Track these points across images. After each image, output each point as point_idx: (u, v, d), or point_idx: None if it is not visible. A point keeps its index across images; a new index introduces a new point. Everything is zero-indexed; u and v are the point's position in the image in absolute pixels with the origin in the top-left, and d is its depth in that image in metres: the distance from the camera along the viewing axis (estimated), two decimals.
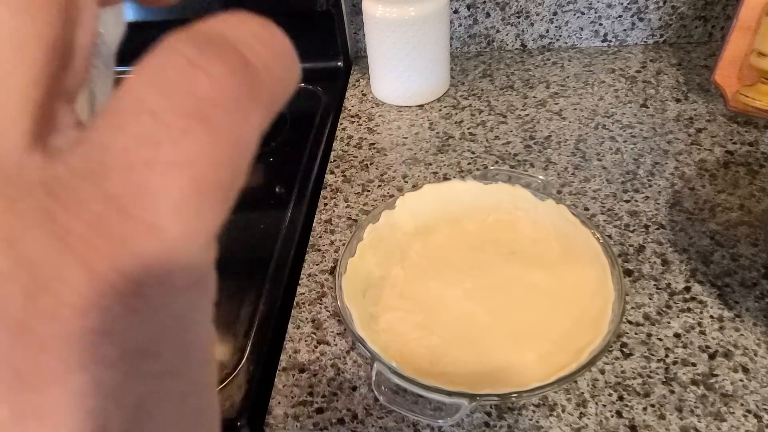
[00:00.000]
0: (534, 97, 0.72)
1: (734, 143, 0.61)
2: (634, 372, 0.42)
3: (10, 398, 0.10)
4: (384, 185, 0.62)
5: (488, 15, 0.79)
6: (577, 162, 0.61)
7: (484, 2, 0.77)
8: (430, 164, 0.64)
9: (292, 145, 0.71)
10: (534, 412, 0.41)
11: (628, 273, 0.49)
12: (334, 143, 0.69)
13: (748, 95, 0.60)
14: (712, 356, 0.43)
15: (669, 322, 0.45)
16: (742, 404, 0.40)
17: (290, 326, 0.49)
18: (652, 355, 0.43)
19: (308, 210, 0.61)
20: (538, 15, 0.78)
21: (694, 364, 0.42)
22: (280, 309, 0.51)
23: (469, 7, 0.78)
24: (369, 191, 0.61)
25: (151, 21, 0.80)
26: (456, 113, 0.71)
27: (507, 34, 0.80)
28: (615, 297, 0.41)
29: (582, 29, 0.78)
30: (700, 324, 0.45)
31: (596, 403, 0.41)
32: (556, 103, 0.70)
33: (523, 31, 0.80)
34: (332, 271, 0.53)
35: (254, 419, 0.44)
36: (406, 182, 0.62)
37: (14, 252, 0.10)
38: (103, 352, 0.11)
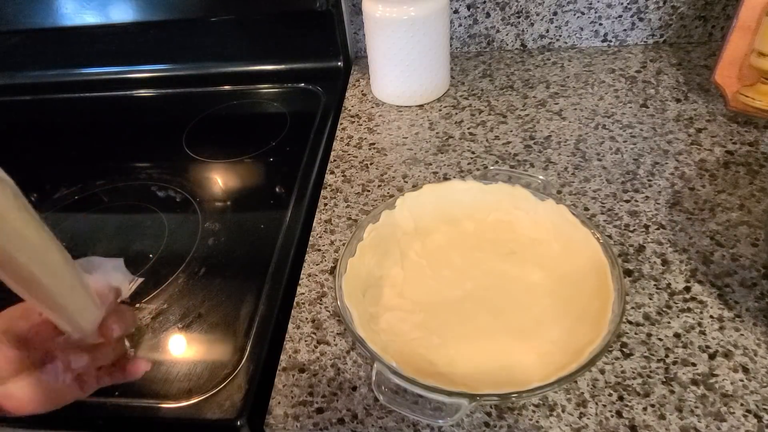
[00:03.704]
0: (534, 97, 0.72)
1: (734, 143, 0.61)
2: (634, 372, 0.42)
3: None
4: (384, 185, 0.62)
5: (488, 15, 0.79)
6: (577, 162, 0.61)
7: (484, 2, 0.77)
8: (430, 164, 0.64)
9: (292, 145, 0.71)
10: (534, 412, 0.41)
11: (628, 273, 0.49)
12: (334, 143, 0.69)
13: (748, 95, 0.60)
14: (712, 356, 0.43)
15: (669, 322, 0.45)
16: (742, 404, 0.40)
17: (290, 326, 0.49)
18: (652, 355, 0.43)
19: (308, 210, 0.61)
20: (538, 15, 0.78)
21: (694, 364, 0.42)
22: (280, 309, 0.51)
23: (469, 7, 0.78)
24: (369, 191, 0.61)
25: (151, 21, 0.80)
26: (456, 113, 0.71)
27: (507, 34, 0.80)
28: (615, 297, 0.41)
29: (582, 29, 0.78)
30: (700, 324, 0.45)
31: (596, 403, 0.41)
32: (556, 103, 0.70)
33: (523, 31, 0.80)
34: (332, 271, 0.53)
35: (254, 419, 0.44)
36: (406, 182, 0.62)
37: None
38: None
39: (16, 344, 0.33)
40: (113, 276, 0.35)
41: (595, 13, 0.76)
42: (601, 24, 0.77)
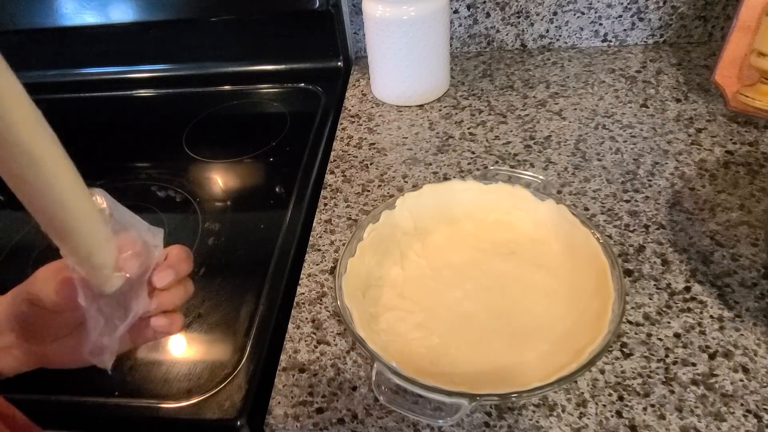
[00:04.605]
0: (534, 97, 0.72)
1: (734, 143, 0.61)
2: (634, 372, 0.42)
3: None
4: (384, 185, 0.62)
5: (488, 15, 0.79)
6: (577, 162, 0.61)
7: (484, 2, 0.77)
8: (430, 164, 0.64)
9: (292, 145, 0.71)
10: (534, 412, 0.41)
11: (628, 273, 0.49)
12: (334, 143, 0.69)
13: (748, 95, 0.60)
14: (712, 356, 0.43)
15: (669, 322, 0.45)
16: (742, 404, 0.40)
17: (290, 326, 0.49)
18: (652, 355, 0.43)
19: (308, 210, 0.61)
20: (538, 15, 0.78)
21: (694, 364, 0.42)
22: (280, 309, 0.51)
23: (469, 7, 0.78)
24: (369, 191, 0.61)
25: (151, 21, 0.80)
26: (456, 113, 0.71)
27: (507, 34, 0.80)
28: (615, 297, 0.41)
29: (582, 29, 0.78)
30: (700, 324, 0.45)
31: (596, 403, 0.41)
32: (556, 103, 0.70)
33: (523, 31, 0.80)
34: (332, 271, 0.53)
35: (254, 419, 0.44)
36: (406, 182, 0.62)
37: None
38: None
39: (52, 306, 0.32)
40: (149, 236, 0.33)
41: (595, 13, 0.76)
42: (601, 24, 0.77)
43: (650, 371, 0.42)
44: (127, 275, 0.31)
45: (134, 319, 0.32)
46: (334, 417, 0.42)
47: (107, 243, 0.30)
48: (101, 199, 0.31)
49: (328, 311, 0.50)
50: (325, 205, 0.60)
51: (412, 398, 0.39)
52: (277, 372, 0.45)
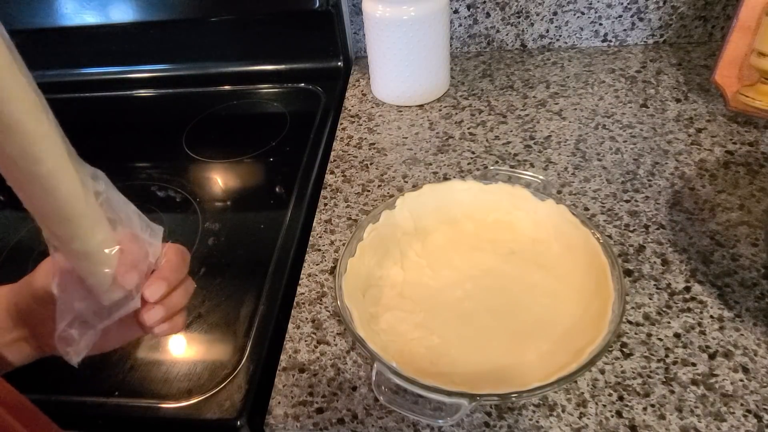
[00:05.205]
0: (534, 97, 0.72)
1: (734, 143, 0.61)
2: (634, 372, 0.42)
3: None
4: (384, 185, 0.62)
5: (488, 15, 0.79)
6: (577, 162, 0.61)
7: (484, 2, 0.77)
8: (430, 164, 0.64)
9: (292, 145, 0.71)
10: (534, 412, 0.41)
11: (628, 273, 0.49)
12: (334, 143, 0.69)
13: (748, 95, 0.60)
14: (712, 356, 0.43)
15: (669, 322, 0.45)
16: (742, 404, 0.40)
17: (290, 326, 0.49)
18: (652, 355, 0.43)
19: (308, 210, 0.61)
20: (538, 15, 0.78)
21: (694, 364, 0.42)
22: (280, 309, 0.51)
23: (469, 7, 0.78)
24: (369, 191, 0.61)
25: (151, 21, 0.80)
26: (456, 113, 0.71)
27: (507, 34, 0.80)
28: (615, 297, 0.41)
29: (582, 29, 0.78)
30: (700, 324, 0.45)
31: (596, 403, 0.41)
32: (556, 103, 0.70)
33: (523, 31, 0.80)
34: (332, 271, 0.53)
35: (254, 419, 0.44)
36: (406, 182, 0.62)
37: None
38: None
39: (47, 292, 0.31)
40: (146, 233, 0.31)
41: (595, 13, 0.76)
42: (601, 24, 0.77)
43: (650, 371, 0.42)
44: (126, 287, 0.29)
45: (114, 319, 0.30)
46: (334, 417, 0.42)
47: (96, 228, 0.27)
48: (100, 182, 0.28)
49: (328, 311, 0.50)
50: (325, 205, 0.60)
51: (412, 398, 0.39)
52: (277, 372, 0.45)
